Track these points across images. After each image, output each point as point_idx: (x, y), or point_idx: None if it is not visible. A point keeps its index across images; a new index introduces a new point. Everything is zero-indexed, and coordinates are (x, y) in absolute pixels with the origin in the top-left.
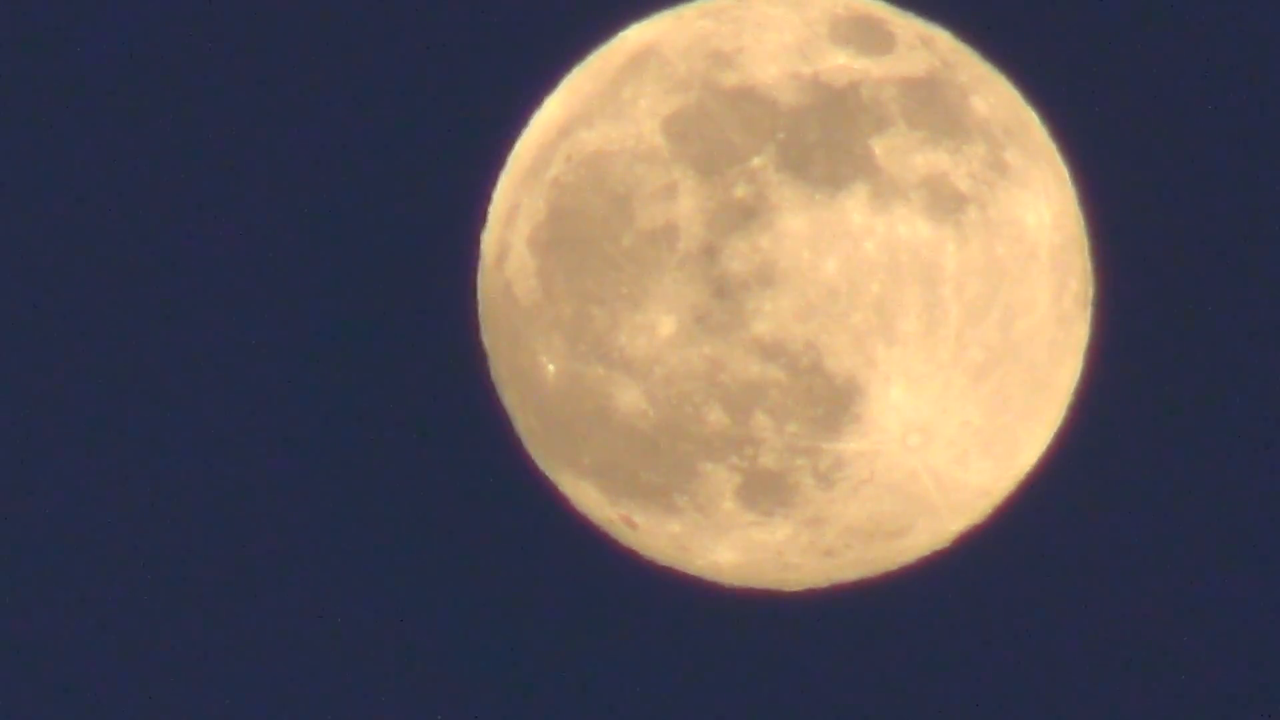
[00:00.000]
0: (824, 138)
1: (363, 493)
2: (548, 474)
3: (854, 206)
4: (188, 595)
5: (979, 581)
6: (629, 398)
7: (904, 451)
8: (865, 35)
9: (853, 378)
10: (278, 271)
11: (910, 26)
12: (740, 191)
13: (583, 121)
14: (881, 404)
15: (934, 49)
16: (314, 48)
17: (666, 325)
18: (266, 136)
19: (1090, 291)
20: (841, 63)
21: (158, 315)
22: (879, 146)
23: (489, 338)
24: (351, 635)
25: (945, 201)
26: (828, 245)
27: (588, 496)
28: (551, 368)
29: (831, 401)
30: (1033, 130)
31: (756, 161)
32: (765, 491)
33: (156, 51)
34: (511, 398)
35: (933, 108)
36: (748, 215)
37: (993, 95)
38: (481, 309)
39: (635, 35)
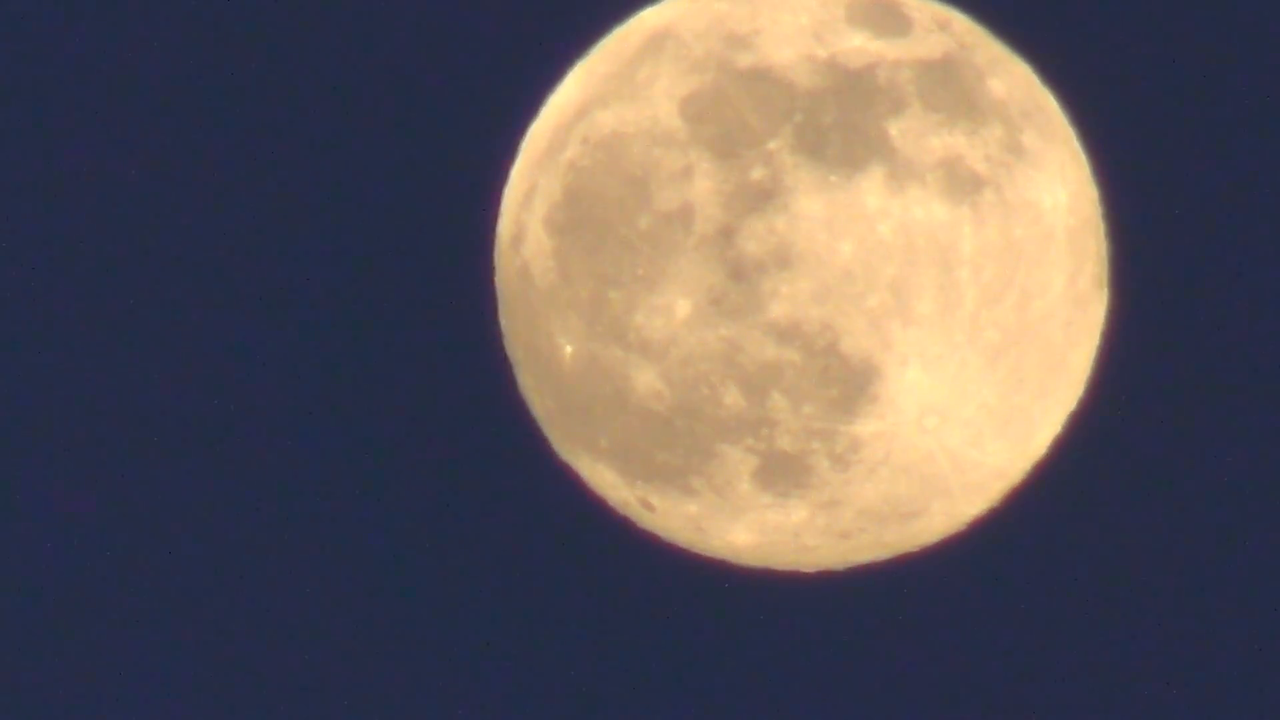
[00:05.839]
0: (840, 120)
1: (380, 475)
2: (565, 456)
3: (870, 189)
4: (205, 577)
5: (995, 563)
6: (646, 379)
7: (920, 433)
8: (881, 17)
9: (869, 359)
10: (294, 255)
11: (927, 9)
12: (757, 174)
13: (599, 103)
14: (898, 385)
15: (950, 31)
16: (333, 33)
17: (683, 307)
18: (283, 122)
19: (1106, 273)
20: (858, 45)
21: (179, 294)
22: (895, 129)
23: (506, 319)
24: (370, 617)
25: (961, 183)
26: (844, 227)
27: (605, 478)
28: (568, 349)
29: (848, 383)
30: (1049, 112)
31: (773, 144)
32: (782, 473)
33: (200, 37)
34: (528, 379)
35: (949, 90)
36: (764, 197)
37: (1009, 77)
38: (498, 290)
39: (652, 17)
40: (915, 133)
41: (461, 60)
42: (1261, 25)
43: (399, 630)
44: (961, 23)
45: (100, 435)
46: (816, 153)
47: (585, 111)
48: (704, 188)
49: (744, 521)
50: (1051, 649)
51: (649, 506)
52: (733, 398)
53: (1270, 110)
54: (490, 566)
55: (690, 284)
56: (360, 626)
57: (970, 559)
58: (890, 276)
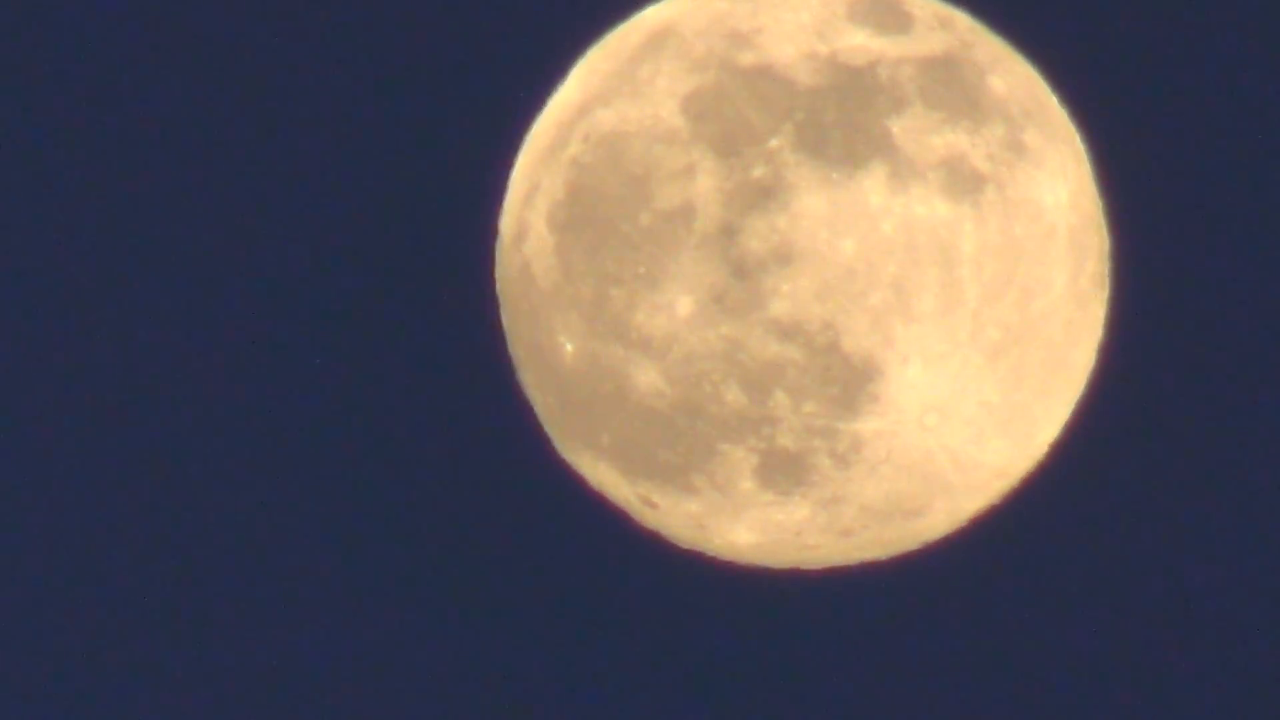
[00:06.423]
0: (841, 118)
1: (380, 474)
2: (566, 454)
3: (872, 187)
4: (203, 573)
5: (996, 562)
6: (647, 378)
7: (921, 431)
8: (883, 15)
9: (870, 357)
10: (295, 254)
11: (928, 6)
12: (758, 171)
13: (600, 101)
14: (899, 383)
15: (952, 29)
16: (332, 32)
17: (684, 305)
18: (283, 122)
19: (1107, 271)
20: (859, 42)
21: (176, 291)
22: (896, 127)
23: (507, 317)
24: (369, 615)
25: (963, 182)
26: (845, 225)
27: (606, 477)
28: (569, 347)
29: (849, 381)
30: (1051, 110)
31: (774, 142)
32: (783, 471)
33: (204, 32)
34: (529, 377)
35: (951, 88)
36: (765, 195)
37: (1011, 75)
38: (500, 288)
39: (653, 14)
40: (917, 131)
41: (464, 58)
42: (1264, 23)
43: (398, 628)
44: (963, 20)
45: (97, 437)
46: (818, 151)
47: (587, 109)
48: (705, 186)
49: (745, 520)
50: (1053, 647)
51: (650, 504)
52: (734, 396)
53: (1273, 108)
54: (490, 564)
55: (692, 282)
56: (359, 624)
57: (971, 557)
58: (892, 274)
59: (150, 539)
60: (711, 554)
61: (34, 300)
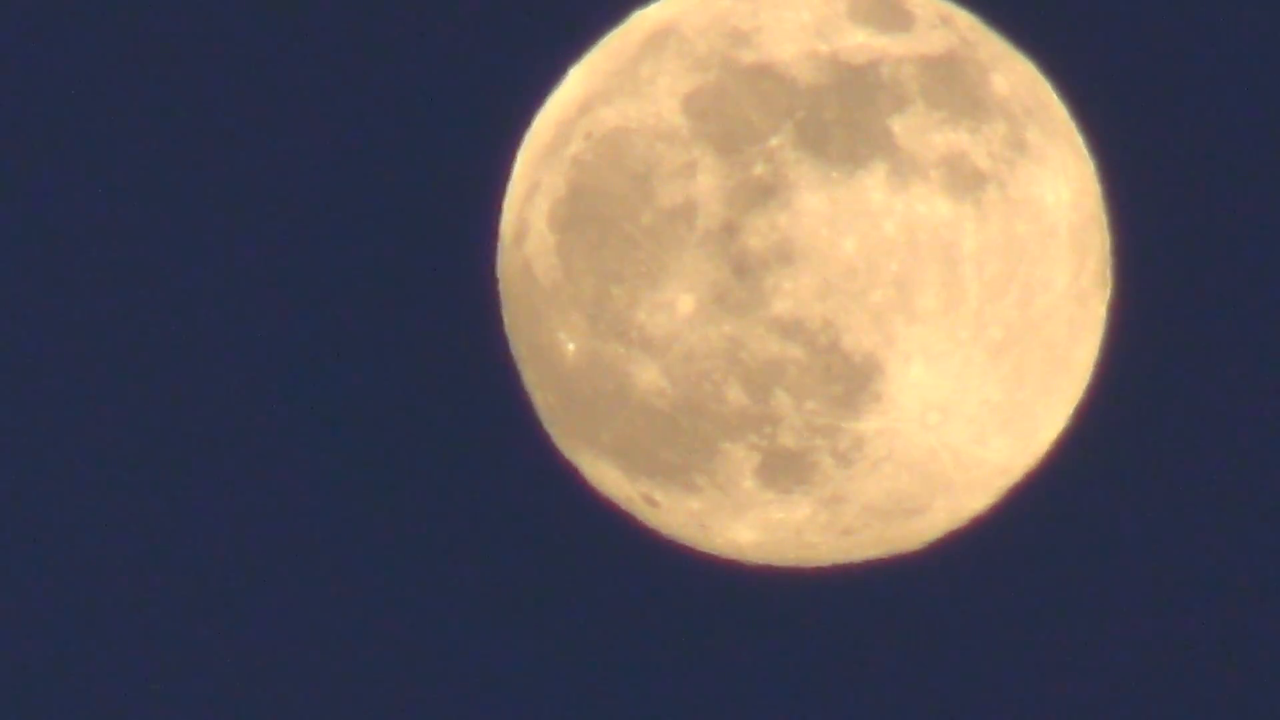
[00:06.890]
0: (842, 116)
1: (381, 471)
2: (567, 453)
3: (873, 185)
4: (202, 571)
5: (998, 561)
6: (648, 376)
7: (923, 429)
8: (884, 13)
9: (872, 356)
10: (296, 254)
11: (929, 4)
12: (759, 170)
13: (602, 99)
14: (900, 382)
15: (953, 27)
16: (332, 32)
17: (686, 303)
18: (283, 122)
19: (1109, 270)
20: (860, 41)
21: (177, 288)
22: (898, 125)
23: (508, 316)
24: (369, 613)
25: (964, 180)
26: (846, 224)
27: (607, 475)
28: (571, 346)
29: (850, 380)
30: (1052, 108)
31: (775, 140)
32: (784, 470)
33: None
34: (531, 376)
35: (952, 86)
36: (766, 193)
37: (1013, 73)
38: (501, 287)
39: (654, 13)
40: (918, 129)
41: (465, 56)
42: (1264, 23)
43: (398, 627)
44: (964, 19)
45: (95, 438)
46: (819, 149)
47: (588, 107)
48: (707, 184)
49: (747, 518)
50: (1054, 646)
51: (652, 503)
52: (735, 394)
53: (1273, 108)
54: (491, 562)
55: (693, 280)
56: (359, 623)
57: (972, 556)
58: (893, 273)
59: (150, 536)
60: (712, 552)
61: (34, 300)
